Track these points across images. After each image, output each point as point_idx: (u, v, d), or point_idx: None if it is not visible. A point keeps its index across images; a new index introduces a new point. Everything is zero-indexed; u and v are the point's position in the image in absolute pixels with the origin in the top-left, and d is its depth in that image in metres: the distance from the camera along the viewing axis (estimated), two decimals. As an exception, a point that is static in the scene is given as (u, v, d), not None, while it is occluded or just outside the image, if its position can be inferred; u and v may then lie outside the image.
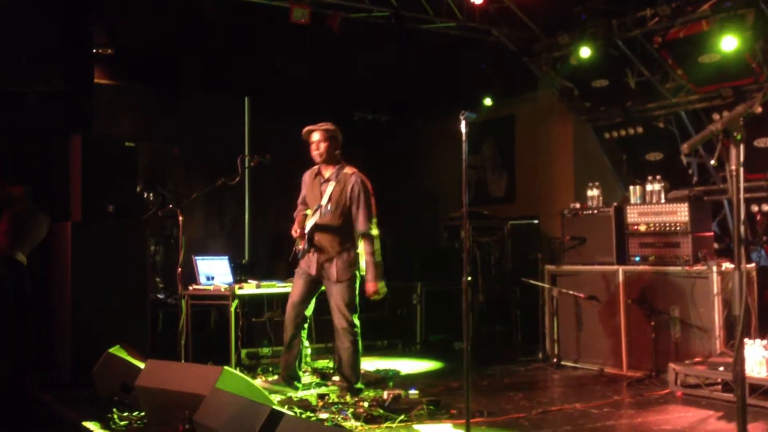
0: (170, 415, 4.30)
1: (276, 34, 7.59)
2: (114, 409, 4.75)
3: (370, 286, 5.46)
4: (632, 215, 6.60)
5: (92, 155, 6.12)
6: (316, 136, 5.50)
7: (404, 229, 8.72)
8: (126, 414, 4.70)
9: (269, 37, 7.75)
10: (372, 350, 7.34)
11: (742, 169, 5.91)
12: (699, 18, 7.17)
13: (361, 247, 5.48)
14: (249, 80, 8.54)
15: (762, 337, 5.24)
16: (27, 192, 5.97)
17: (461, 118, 4.27)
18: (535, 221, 8.57)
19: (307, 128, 5.56)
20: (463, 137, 4.33)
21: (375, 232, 5.47)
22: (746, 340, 5.07)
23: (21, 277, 5.80)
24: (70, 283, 5.87)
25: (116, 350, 5.13)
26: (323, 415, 4.75)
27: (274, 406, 3.75)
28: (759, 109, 7.15)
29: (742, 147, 5.48)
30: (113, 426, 4.57)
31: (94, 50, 7.45)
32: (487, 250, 7.97)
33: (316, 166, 5.62)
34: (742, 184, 5.60)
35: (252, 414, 3.64)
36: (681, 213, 6.29)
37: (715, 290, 5.83)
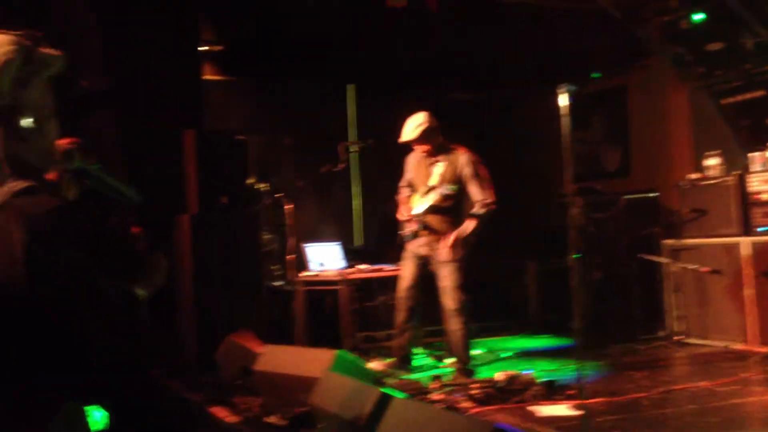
0: (286, 398, 4.41)
1: (374, 18, 7.60)
2: (236, 393, 4.91)
3: (454, 237, 5.35)
4: (755, 183, 6.26)
5: (205, 149, 6.32)
6: (417, 141, 5.47)
7: (514, 209, 8.56)
8: (247, 397, 4.85)
9: (368, 22, 7.77)
10: (485, 331, 7.27)
11: None
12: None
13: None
14: (352, 67, 8.60)
15: None
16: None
17: (561, 91, 4.16)
18: (652, 194, 8.25)
19: (401, 141, 5.52)
20: (565, 111, 4.21)
21: (490, 202, 5.40)
22: None
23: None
24: (191, 274, 6.09)
25: (236, 336, 5.31)
26: (436, 398, 4.76)
27: (386, 389, 3.79)
28: None
29: None
30: (236, 410, 4.72)
31: (204, 47, 7.70)
32: (601, 226, 7.72)
33: (422, 149, 5.61)
34: None
35: (363, 396, 3.68)
36: (810, 178, 5.91)
37: None
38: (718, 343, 6.21)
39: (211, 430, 3.87)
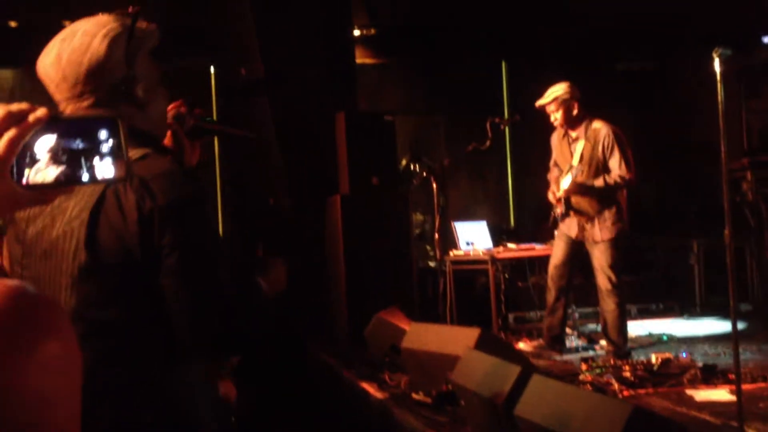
0: (431, 375, 4.45)
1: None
2: (385, 370, 5.01)
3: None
4: None
5: (355, 131, 6.45)
6: (550, 108, 5.34)
7: (679, 183, 8.15)
8: (395, 374, 4.94)
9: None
10: (646, 313, 6.97)
11: None
12: None
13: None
14: (504, 44, 8.50)
15: None
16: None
17: (714, 55, 3.88)
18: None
19: (537, 104, 5.40)
20: (718, 77, 3.93)
21: (631, 178, 5.18)
22: None
23: None
24: (343, 253, 6.26)
25: (385, 314, 5.40)
26: (586, 379, 4.63)
27: (533, 369, 3.73)
28: None
29: None
30: (384, 386, 4.82)
31: (358, 31, 7.86)
32: (773, 202, 7.19)
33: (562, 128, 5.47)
34: None
35: (503, 374, 3.64)
36: None
37: None
38: None
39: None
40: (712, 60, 4.54)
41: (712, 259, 7.29)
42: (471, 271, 6.50)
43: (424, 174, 6.22)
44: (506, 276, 6.34)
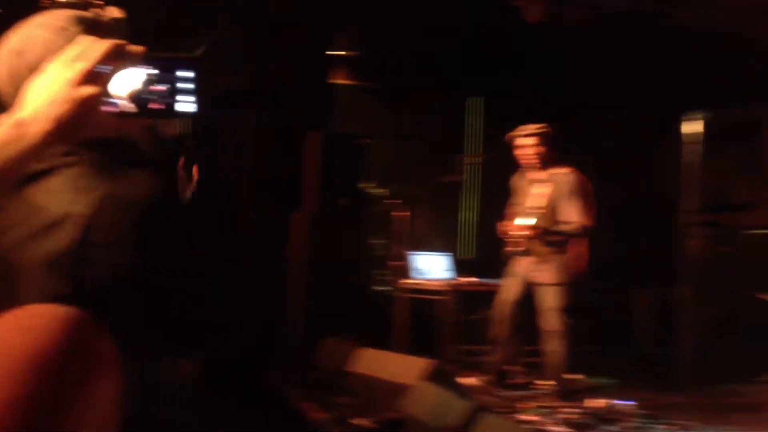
0: (379, 402, 4.53)
1: (507, 32, 7.61)
2: (332, 392, 5.07)
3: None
4: None
5: (328, 151, 6.55)
6: (528, 141, 5.45)
7: (631, 233, 8.39)
8: (341, 397, 5.01)
9: (497, 36, 7.79)
10: (585, 356, 7.14)
11: None
12: None
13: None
14: (482, 81, 8.64)
15: None
16: None
17: (691, 119, 4.09)
18: (781, 231, 7.88)
19: (518, 135, 5.50)
20: (691, 139, 4.15)
21: (589, 226, 5.33)
22: None
23: None
24: (307, 272, 6.30)
25: (337, 337, 5.48)
26: (527, 418, 4.77)
27: (478, 404, 3.85)
28: None
29: None
30: (327, 408, 4.87)
31: (342, 53, 7.95)
32: (719, 261, 7.46)
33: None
34: None
35: (455, 409, 3.76)
36: None
37: None
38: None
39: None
40: (680, 119, 4.76)
41: (658, 310, 7.52)
42: (426, 300, 6.62)
43: (391, 200, 6.33)
44: (461, 308, 6.46)
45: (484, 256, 8.30)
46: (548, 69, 8.13)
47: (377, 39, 8.18)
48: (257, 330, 6.22)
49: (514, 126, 5.63)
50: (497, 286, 6.37)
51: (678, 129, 6.75)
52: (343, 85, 8.43)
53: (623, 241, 8.12)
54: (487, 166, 7.98)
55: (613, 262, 7.41)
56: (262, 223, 6.84)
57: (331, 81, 7.79)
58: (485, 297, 6.62)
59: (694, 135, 4.28)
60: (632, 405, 5.06)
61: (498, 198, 6.84)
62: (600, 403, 4.96)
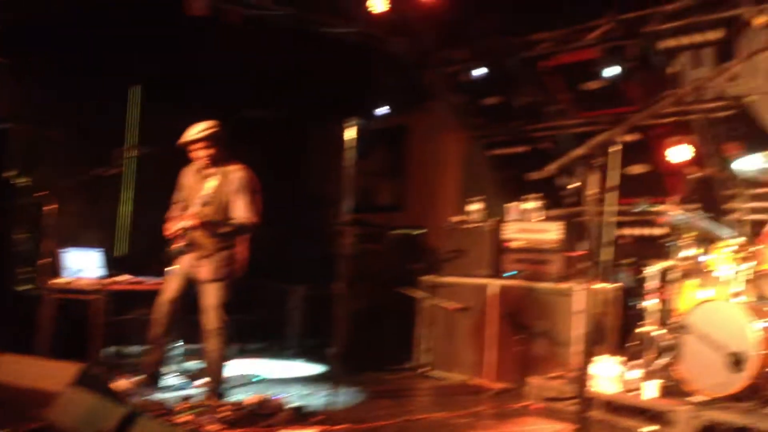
0: (20, 411, 4.15)
1: (173, 24, 7.41)
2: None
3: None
4: (509, 231, 6.80)
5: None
6: (198, 145, 5.38)
7: (289, 232, 8.67)
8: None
9: (166, 27, 7.56)
10: (243, 353, 7.26)
11: (614, 193, 6.17)
12: (586, 46, 7.48)
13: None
14: (142, 68, 8.30)
15: (619, 355, 5.47)
16: None
17: (348, 125, 4.33)
18: (419, 231, 8.70)
19: (181, 141, 5.41)
20: (350, 143, 4.40)
21: (254, 222, 5.39)
22: (602, 356, 5.31)
23: None
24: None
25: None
26: (183, 419, 4.68)
27: (132, 408, 3.68)
28: (634, 137, 7.50)
29: (616, 172, 5.73)
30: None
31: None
32: (369, 257, 8.02)
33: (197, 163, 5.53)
34: (610, 207, 5.84)
35: (106, 414, 3.56)
36: (554, 231, 6.53)
37: (578, 307, 6.05)
38: (461, 377, 6.65)
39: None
40: (336, 124, 5.03)
41: (312, 305, 7.87)
42: (75, 300, 6.18)
43: (38, 193, 5.81)
44: (112, 308, 6.14)
45: (142, 252, 8.00)
46: (212, 63, 8.07)
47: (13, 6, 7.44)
48: None
49: (175, 118, 5.51)
50: (156, 283, 6.17)
51: (331, 133, 7.19)
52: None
53: (283, 239, 8.35)
54: (146, 158, 7.69)
55: (272, 259, 7.58)
56: None
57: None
58: (141, 296, 6.38)
59: (350, 140, 4.58)
60: (285, 398, 5.21)
61: (158, 192, 6.63)
62: (255, 399, 5.03)
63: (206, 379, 5.45)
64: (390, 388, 6.30)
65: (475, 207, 7.19)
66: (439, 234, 7.42)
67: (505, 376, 6.34)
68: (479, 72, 7.97)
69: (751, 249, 5.09)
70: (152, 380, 5.44)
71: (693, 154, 7.13)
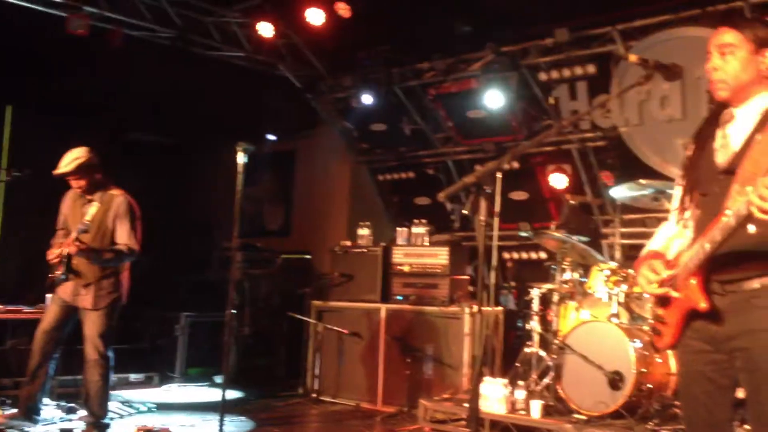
0: None
1: (51, 43, 7.14)
2: None
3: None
4: (398, 256, 6.88)
5: None
6: (68, 175, 5.19)
7: (173, 257, 8.46)
8: None
9: (43, 46, 7.27)
10: (126, 383, 7.01)
11: (497, 219, 6.33)
12: (470, 76, 7.74)
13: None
14: (15, 88, 7.95)
15: (504, 376, 5.62)
16: None
17: (238, 149, 4.31)
18: (307, 256, 8.68)
19: (55, 173, 5.21)
20: (240, 168, 4.38)
21: (134, 249, 5.23)
22: (489, 378, 5.43)
23: None
24: None
25: None
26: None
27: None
28: (515, 165, 7.78)
29: (497, 198, 5.89)
30: None
31: None
32: (257, 283, 7.94)
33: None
34: (495, 232, 6.04)
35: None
36: (441, 256, 6.65)
37: (466, 330, 6.20)
38: (351, 402, 6.65)
39: None
40: (224, 148, 4.99)
41: (199, 332, 7.69)
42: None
43: None
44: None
45: (12, 281, 7.61)
46: (95, 85, 7.82)
47: None
48: None
49: (50, 141, 5.29)
50: (29, 313, 5.89)
51: (219, 158, 7.12)
52: None
53: (169, 265, 8.15)
54: (18, 182, 7.33)
55: (158, 286, 7.38)
56: None
57: None
58: (14, 325, 6.07)
59: (239, 164, 4.57)
60: (170, 429, 5.07)
61: (30, 218, 6.33)
62: (139, 429, 4.87)
63: (87, 412, 5.22)
64: (280, 415, 6.22)
65: (364, 231, 7.24)
66: (329, 259, 7.42)
67: (396, 399, 6.39)
68: (367, 99, 8.07)
69: (623, 273, 5.36)
70: (29, 414, 5.16)
71: (570, 182, 7.47)
